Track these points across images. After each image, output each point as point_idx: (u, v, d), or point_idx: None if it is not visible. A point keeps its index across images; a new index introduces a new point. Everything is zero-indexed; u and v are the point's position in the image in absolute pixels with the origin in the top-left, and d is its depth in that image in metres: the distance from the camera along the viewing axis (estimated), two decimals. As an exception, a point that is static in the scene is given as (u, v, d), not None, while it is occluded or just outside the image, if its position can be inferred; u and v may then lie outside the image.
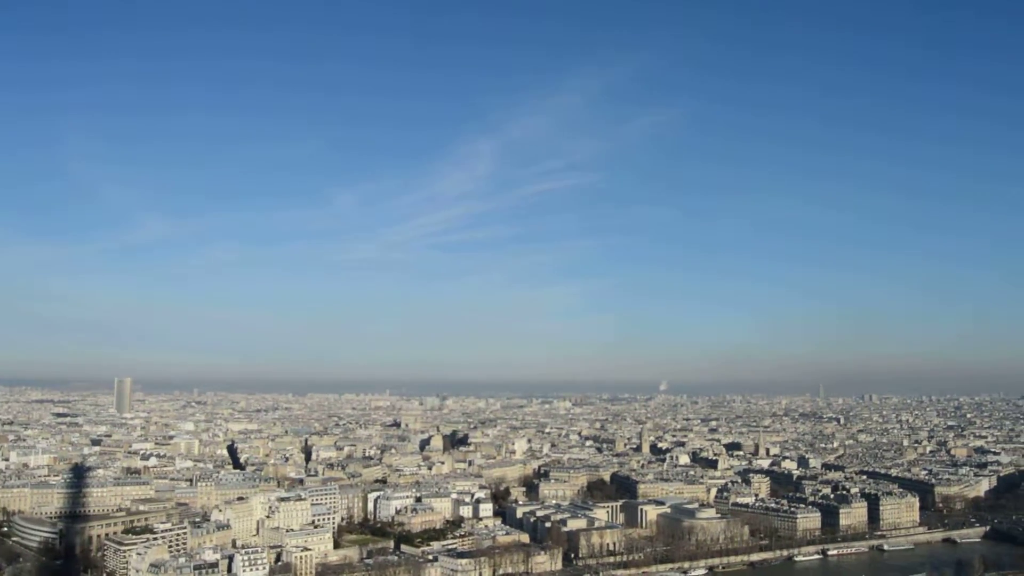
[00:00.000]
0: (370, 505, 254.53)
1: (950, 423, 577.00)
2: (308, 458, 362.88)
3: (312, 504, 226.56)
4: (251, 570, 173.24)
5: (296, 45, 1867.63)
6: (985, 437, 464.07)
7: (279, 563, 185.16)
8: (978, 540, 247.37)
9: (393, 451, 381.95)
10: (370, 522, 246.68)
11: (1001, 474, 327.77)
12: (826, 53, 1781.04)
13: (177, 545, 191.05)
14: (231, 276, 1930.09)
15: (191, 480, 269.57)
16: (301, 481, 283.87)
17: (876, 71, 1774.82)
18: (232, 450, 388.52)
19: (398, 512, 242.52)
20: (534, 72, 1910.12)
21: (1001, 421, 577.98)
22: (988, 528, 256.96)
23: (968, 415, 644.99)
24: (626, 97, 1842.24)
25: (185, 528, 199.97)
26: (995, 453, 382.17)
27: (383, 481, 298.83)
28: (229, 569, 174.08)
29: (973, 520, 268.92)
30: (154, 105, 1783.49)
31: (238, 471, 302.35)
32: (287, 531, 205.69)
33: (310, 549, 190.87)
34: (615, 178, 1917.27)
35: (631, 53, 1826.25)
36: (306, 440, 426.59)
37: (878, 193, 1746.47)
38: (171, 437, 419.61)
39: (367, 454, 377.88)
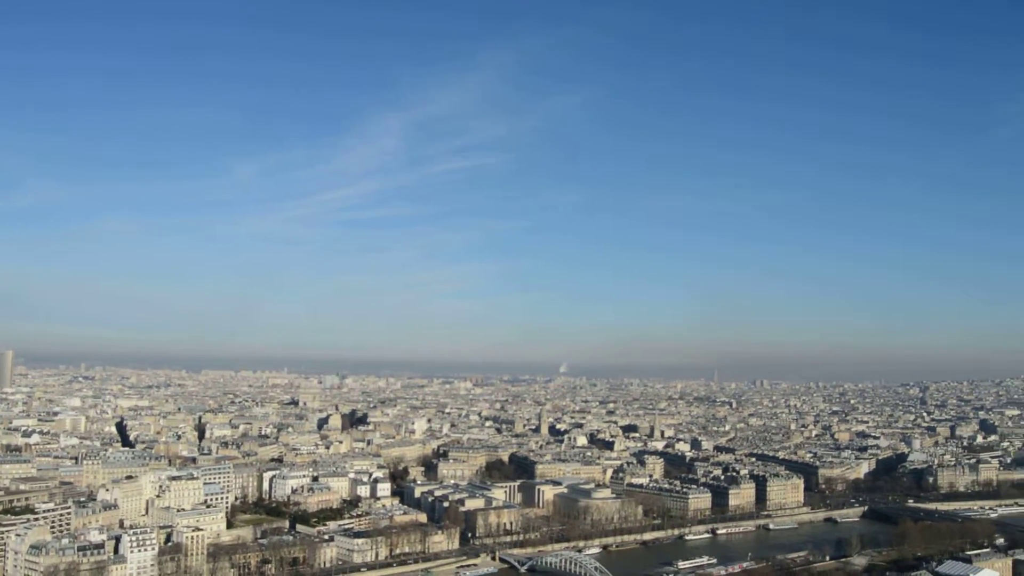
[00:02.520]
0: (265, 484, 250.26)
1: (835, 408, 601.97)
2: (201, 436, 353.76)
3: (205, 483, 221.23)
4: (139, 551, 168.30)
5: (196, 6, 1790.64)
6: (866, 422, 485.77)
7: (169, 543, 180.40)
8: (857, 519, 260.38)
9: (290, 430, 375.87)
10: (265, 502, 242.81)
11: (880, 457, 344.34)
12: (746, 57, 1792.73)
13: (60, 526, 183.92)
14: (123, 247, 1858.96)
15: (76, 458, 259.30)
16: (194, 460, 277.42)
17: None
18: (121, 427, 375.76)
19: (294, 491, 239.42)
20: (449, 43, 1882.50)
21: (882, 407, 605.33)
22: (866, 508, 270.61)
23: (851, 401, 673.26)
24: (544, 73, 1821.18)
25: (69, 508, 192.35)
26: (875, 437, 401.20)
27: (279, 460, 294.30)
28: (116, 550, 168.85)
29: (853, 500, 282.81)
30: (43, 70, 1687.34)
31: (127, 449, 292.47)
32: (178, 511, 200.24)
33: (202, 529, 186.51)
34: (524, 159, 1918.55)
35: (552, 26, 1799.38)
36: (200, 418, 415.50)
37: (770, 188, 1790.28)
38: (55, 413, 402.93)
39: (263, 432, 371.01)
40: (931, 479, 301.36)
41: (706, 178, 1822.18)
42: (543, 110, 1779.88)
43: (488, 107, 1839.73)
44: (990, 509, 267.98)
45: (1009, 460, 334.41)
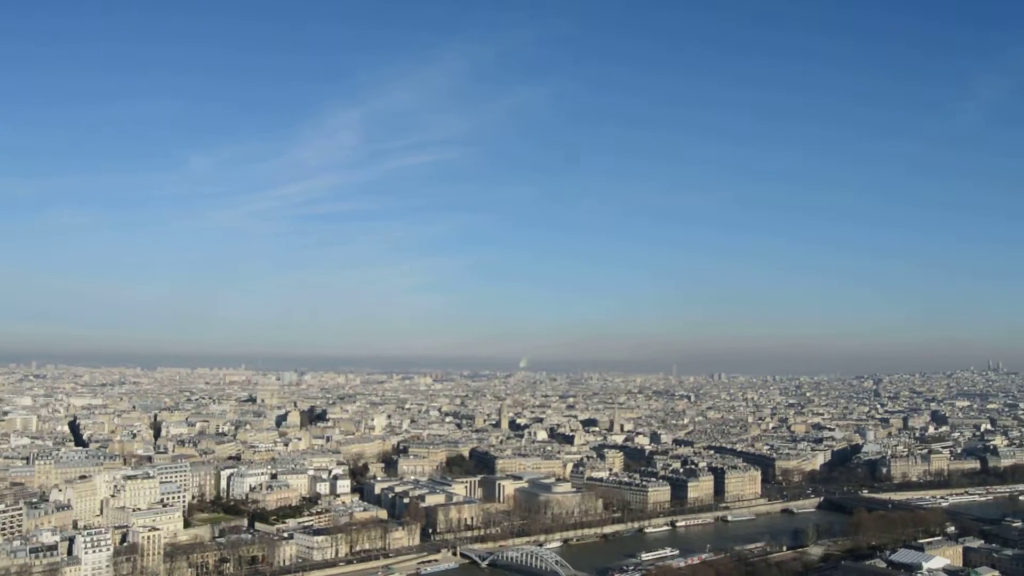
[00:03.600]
0: (223, 483, 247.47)
1: (791, 401, 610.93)
2: (157, 435, 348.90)
3: (161, 482, 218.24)
4: (93, 552, 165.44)
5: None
6: (822, 414, 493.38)
7: (124, 544, 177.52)
8: (813, 510, 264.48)
9: (248, 427, 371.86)
10: (223, 500, 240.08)
11: (835, 448, 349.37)
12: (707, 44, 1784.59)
13: (11, 527, 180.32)
14: (75, 241, 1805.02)
15: (28, 458, 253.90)
16: (150, 458, 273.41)
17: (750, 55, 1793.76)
18: (74, 426, 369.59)
19: (252, 489, 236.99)
20: (409, 33, 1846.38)
21: (837, 399, 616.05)
22: (822, 499, 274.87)
23: (807, 393, 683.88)
24: (509, 65, 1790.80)
25: (20, 509, 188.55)
26: (830, 429, 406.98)
27: (237, 458, 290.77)
28: (70, 551, 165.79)
29: (809, 491, 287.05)
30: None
31: (80, 448, 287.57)
32: (133, 510, 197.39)
33: (158, 528, 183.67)
34: (489, 152, 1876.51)
35: (517, 16, 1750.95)
36: (155, 416, 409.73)
37: (744, 178, 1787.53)
38: (5, 413, 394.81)
39: (221, 430, 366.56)
40: (885, 470, 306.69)
41: (677, 166, 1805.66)
42: (508, 102, 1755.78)
43: (452, 100, 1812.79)
44: (941, 498, 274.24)
45: (959, 450, 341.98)
